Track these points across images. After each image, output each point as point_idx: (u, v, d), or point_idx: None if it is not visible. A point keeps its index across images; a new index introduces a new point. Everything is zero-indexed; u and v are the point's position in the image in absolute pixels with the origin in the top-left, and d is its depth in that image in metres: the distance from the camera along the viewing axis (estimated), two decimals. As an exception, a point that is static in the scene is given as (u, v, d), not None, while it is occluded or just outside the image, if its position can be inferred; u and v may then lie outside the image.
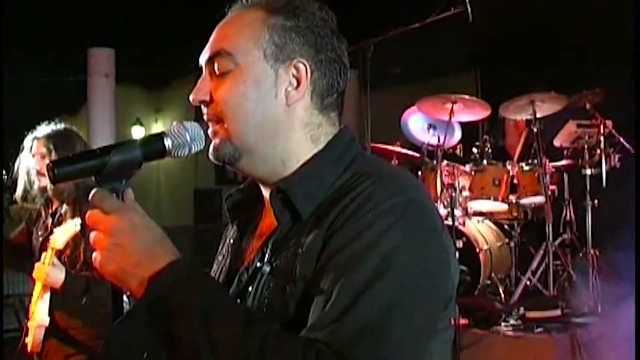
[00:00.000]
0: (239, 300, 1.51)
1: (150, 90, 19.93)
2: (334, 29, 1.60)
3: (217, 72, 1.55)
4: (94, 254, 1.40)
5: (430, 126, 6.60)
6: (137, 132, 17.78)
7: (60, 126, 3.93)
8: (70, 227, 3.51)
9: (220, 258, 1.75)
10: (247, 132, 1.54)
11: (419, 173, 6.32)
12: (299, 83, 1.55)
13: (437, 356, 1.48)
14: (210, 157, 1.58)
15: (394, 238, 1.37)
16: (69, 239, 3.52)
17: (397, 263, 1.36)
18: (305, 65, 1.55)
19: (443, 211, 5.97)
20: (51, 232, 3.60)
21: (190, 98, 1.57)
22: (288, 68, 1.54)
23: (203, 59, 1.59)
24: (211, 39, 1.59)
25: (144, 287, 1.35)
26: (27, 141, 3.89)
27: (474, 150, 6.84)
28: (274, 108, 1.54)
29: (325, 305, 1.33)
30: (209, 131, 1.57)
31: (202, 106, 1.58)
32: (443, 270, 1.47)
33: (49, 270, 3.45)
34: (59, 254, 3.56)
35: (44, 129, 3.89)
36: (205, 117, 1.58)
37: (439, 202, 5.99)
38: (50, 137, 3.84)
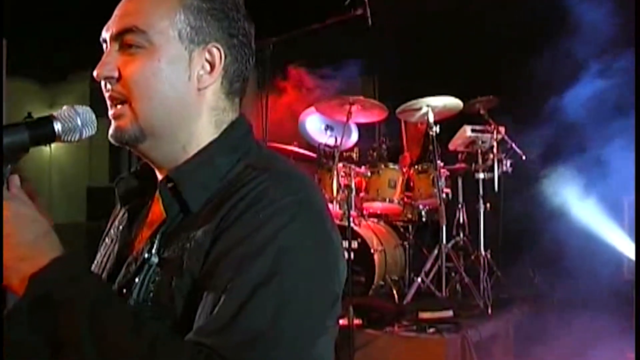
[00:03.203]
0: (125, 291, 1.45)
1: (43, 85, 19.42)
2: (244, 12, 1.57)
3: (128, 49, 1.47)
4: None
5: (327, 127, 6.63)
6: (29, 127, 17.26)
7: None
8: None
9: (108, 241, 1.68)
10: (155, 113, 1.47)
11: (316, 174, 6.32)
12: (212, 68, 1.51)
13: (324, 353, 1.47)
14: (110, 138, 1.50)
15: (285, 239, 1.34)
16: None
17: (288, 265, 1.33)
18: (219, 50, 1.50)
19: (338, 212, 5.99)
20: None
21: (95, 73, 1.47)
22: (202, 52, 1.50)
23: (109, 33, 1.50)
24: (119, 11, 1.50)
25: (25, 284, 1.27)
26: None
27: (371, 152, 6.91)
28: (185, 91, 1.49)
29: (214, 307, 1.29)
30: (110, 113, 1.49)
31: (106, 83, 1.49)
32: (332, 270, 1.45)
33: None
34: None
35: None
36: (107, 95, 1.49)
37: (334, 202, 6.00)
38: None
